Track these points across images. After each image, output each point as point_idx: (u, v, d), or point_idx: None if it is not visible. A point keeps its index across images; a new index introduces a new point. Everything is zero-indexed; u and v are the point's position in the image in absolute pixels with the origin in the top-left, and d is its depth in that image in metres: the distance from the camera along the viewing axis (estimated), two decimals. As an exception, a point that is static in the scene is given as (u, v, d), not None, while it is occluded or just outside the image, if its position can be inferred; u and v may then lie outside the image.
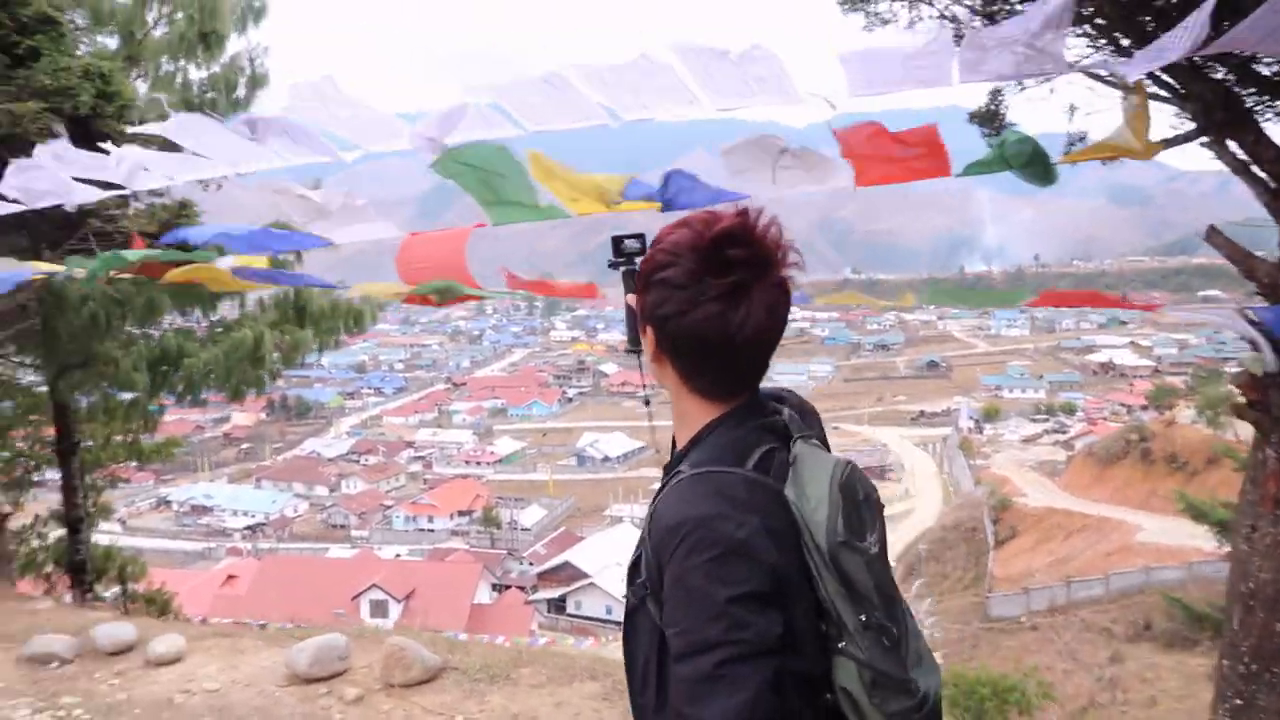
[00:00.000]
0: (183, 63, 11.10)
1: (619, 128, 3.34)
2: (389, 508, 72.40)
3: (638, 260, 1.77)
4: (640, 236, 1.89)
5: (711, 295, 1.30)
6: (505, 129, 3.27)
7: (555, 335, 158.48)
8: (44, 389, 14.01)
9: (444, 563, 50.15)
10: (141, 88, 10.67)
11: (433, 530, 67.02)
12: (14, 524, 15.76)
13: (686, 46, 2.77)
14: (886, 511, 1.45)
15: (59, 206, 3.91)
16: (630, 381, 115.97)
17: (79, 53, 7.32)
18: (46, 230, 6.34)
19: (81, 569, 14.37)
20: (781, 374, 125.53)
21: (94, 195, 3.93)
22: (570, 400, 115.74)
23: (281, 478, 79.89)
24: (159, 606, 15.75)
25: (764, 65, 2.78)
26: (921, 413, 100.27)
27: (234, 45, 11.21)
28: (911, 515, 58.97)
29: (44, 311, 11.29)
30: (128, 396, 13.81)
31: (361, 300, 14.62)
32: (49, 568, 15.15)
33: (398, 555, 55.84)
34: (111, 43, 10.03)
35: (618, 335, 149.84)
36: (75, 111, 5.73)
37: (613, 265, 1.85)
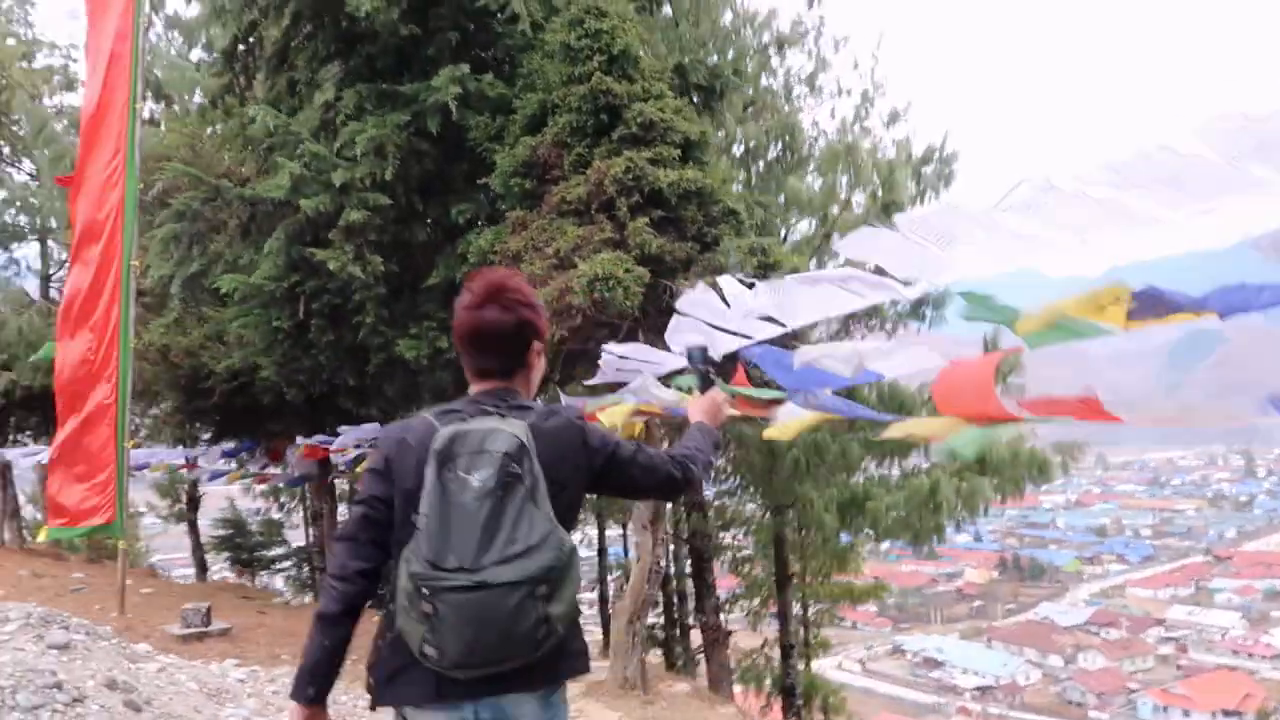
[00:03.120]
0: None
1: None
2: (1134, 692, 64.55)
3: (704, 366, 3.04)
4: (703, 348, 3.07)
5: (458, 311, 2.16)
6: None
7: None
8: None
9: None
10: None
11: (1187, 728, 57.68)
12: (747, 644, 18.22)
13: None
14: None
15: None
16: None
17: (766, 232, 8.75)
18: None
19: (790, 693, 15.90)
20: None
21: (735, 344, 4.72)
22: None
23: (1013, 640, 77.21)
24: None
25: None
26: None
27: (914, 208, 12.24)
28: None
29: (763, 456, 13.30)
30: (844, 537, 15.25)
31: (1055, 448, 14.07)
32: (766, 687, 17.09)
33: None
34: (806, 226, 11.81)
35: None
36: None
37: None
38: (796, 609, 19.37)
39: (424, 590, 1.83)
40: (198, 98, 13.04)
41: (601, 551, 21.20)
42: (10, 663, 4.60)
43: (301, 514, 23.41)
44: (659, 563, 7.93)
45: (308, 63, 9.20)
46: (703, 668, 15.61)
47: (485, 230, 8.09)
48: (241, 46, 10.07)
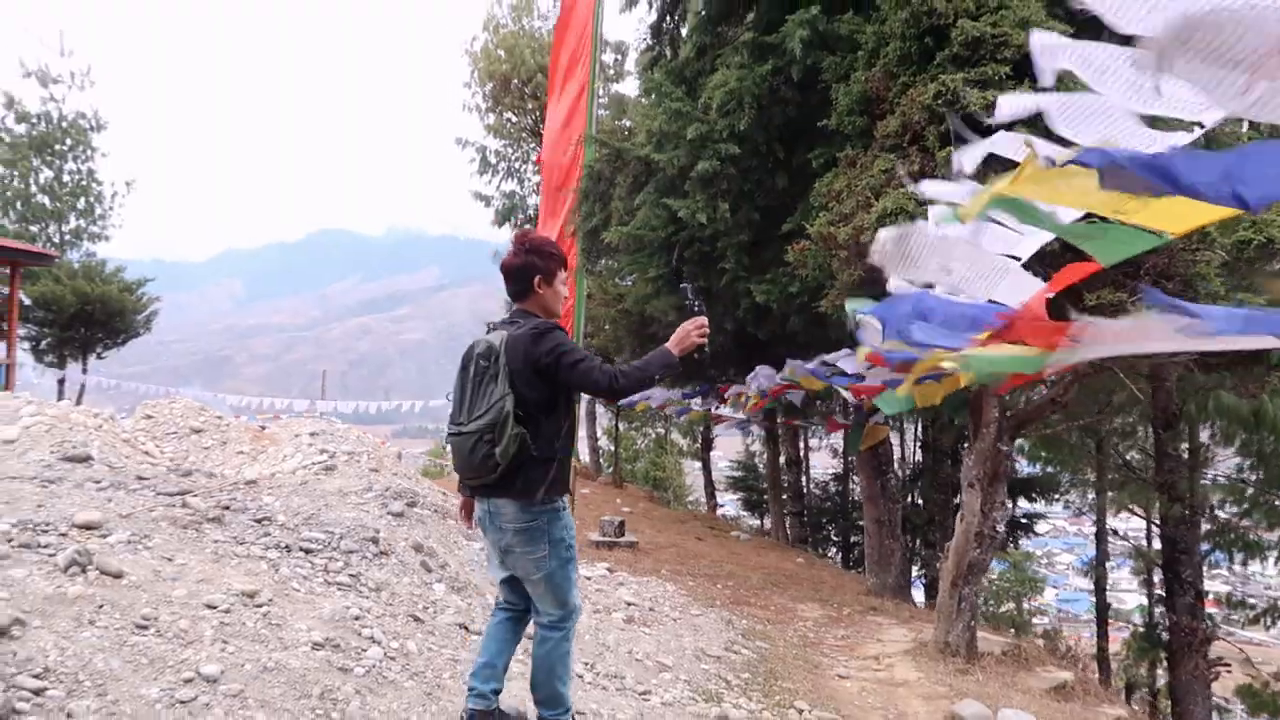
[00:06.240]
0: None
1: None
2: None
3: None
4: None
5: None
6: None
7: None
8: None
9: None
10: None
11: None
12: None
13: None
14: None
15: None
16: None
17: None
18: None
19: None
20: None
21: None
22: None
23: None
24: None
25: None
26: None
27: None
28: None
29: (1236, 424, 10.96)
30: None
31: None
32: None
33: None
34: None
35: None
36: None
37: None
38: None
39: (447, 436, 3.33)
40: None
41: (1100, 535, 18.97)
42: (352, 518, 6.05)
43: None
44: (994, 527, 7.18)
45: (703, 25, 9.83)
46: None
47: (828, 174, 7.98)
48: (667, 20, 11.08)
